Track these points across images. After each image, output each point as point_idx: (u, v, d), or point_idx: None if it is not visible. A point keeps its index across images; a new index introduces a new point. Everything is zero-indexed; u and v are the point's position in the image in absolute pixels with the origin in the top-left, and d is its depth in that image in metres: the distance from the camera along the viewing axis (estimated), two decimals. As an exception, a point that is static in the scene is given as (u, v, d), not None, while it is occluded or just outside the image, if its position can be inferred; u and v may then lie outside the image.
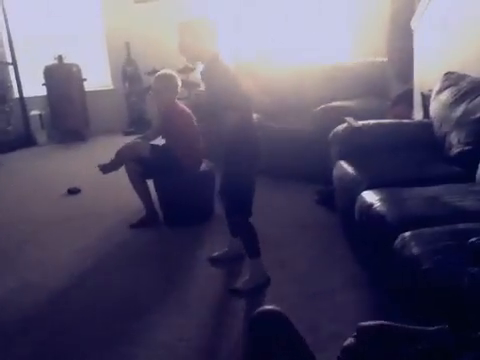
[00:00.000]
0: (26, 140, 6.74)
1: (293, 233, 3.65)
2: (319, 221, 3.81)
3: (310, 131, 4.35)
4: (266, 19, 6.72)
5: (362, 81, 4.87)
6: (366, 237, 2.83)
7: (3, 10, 6.38)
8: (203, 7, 6.40)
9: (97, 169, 4.04)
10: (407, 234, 2.34)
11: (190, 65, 5.32)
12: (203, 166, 3.95)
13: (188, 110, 3.92)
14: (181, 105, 3.94)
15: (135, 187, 3.95)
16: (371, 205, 2.72)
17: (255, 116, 4.18)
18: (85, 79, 6.78)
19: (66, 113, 6.74)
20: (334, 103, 4.43)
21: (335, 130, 3.67)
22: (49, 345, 2.66)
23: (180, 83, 3.90)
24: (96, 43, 6.99)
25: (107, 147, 6.26)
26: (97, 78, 7.05)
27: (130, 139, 5.58)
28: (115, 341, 2.65)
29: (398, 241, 2.35)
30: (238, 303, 2.88)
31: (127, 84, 6.82)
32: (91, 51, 7.02)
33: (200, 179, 3.94)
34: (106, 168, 4.04)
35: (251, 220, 2.99)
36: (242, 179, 2.91)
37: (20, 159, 6.33)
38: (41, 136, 6.81)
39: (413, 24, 4.80)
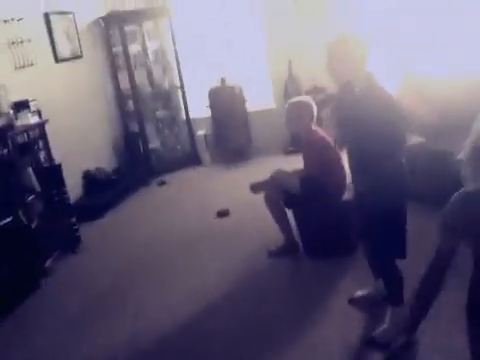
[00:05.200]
0: (192, 159, 7.03)
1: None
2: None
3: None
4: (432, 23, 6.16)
5: None
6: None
7: (172, 38, 6.73)
8: (368, 23, 6.12)
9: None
10: None
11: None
12: (346, 195, 3.69)
13: (327, 136, 3.71)
14: (320, 132, 3.74)
15: (274, 215, 3.83)
16: None
17: (418, 139, 3.77)
18: (247, 100, 6.87)
19: (229, 133, 6.90)
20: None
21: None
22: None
23: (315, 109, 3.70)
24: (259, 63, 7.04)
25: (267, 167, 6.27)
26: (260, 98, 7.09)
27: (290, 159, 5.57)
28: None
29: None
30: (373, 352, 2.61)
31: (288, 103, 6.75)
32: (254, 72, 7.09)
33: (343, 208, 3.68)
34: (256, 188, 4.00)
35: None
36: (390, 217, 2.60)
37: (184, 178, 6.62)
38: (205, 156, 7.05)
39: None
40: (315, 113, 3.75)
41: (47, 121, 4.71)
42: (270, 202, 3.83)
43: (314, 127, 3.78)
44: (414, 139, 4.32)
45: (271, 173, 3.91)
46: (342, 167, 3.65)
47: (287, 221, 3.84)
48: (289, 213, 3.91)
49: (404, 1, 6.20)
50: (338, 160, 3.67)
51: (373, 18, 6.36)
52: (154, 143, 7.06)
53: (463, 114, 4.54)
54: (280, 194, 3.75)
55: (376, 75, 2.65)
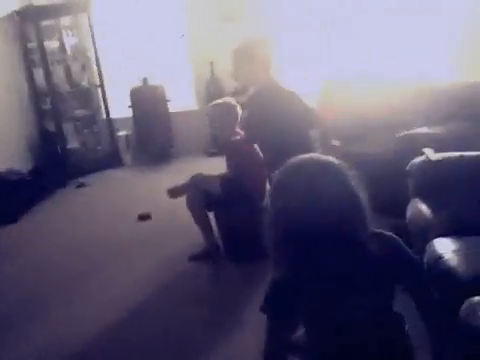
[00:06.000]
0: (113, 160, 6.83)
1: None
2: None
3: (388, 158, 3.94)
4: (357, 33, 6.35)
5: (459, 104, 4.33)
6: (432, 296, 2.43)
7: (92, 35, 6.51)
8: (289, 27, 6.20)
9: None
10: (476, 299, 1.95)
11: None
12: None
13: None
14: (243, 134, 3.74)
15: (195, 217, 3.77)
16: (440, 257, 2.33)
17: (335, 142, 3.89)
18: (169, 100, 6.78)
19: (150, 134, 6.77)
20: (419, 130, 3.99)
21: (412, 162, 3.26)
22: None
23: (239, 111, 3.70)
24: (181, 64, 6.96)
25: (190, 169, 6.21)
26: (182, 99, 7.01)
27: (213, 160, 5.55)
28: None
29: (464, 307, 1.96)
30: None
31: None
32: (176, 72, 7.00)
33: (264, 210, 3.67)
34: (175, 192, 3.93)
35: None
36: None
37: (104, 179, 6.43)
38: (127, 157, 6.89)
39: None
40: (239, 115, 3.74)
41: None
42: (191, 205, 3.76)
43: (237, 129, 3.77)
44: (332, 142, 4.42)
45: (191, 176, 3.86)
46: (263, 169, 3.66)
47: (208, 224, 3.79)
48: (211, 216, 3.88)
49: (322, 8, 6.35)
50: (260, 163, 3.67)
51: (294, 24, 6.48)
52: (73, 143, 6.81)
53: (375, 118, 4.74)
54: (201, 197, 3.70)
55: (283, 80, 2.70)
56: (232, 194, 3.62)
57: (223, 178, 3.73)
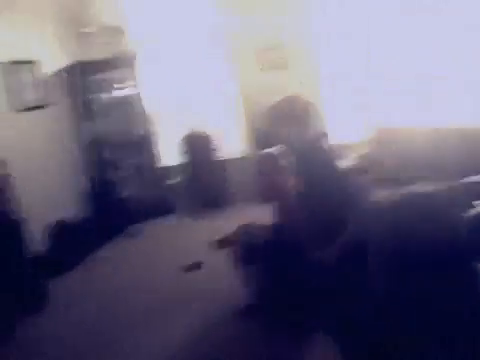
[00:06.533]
0: (166, 209, 6.85)
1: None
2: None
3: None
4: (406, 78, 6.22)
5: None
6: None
7: (142, 85, 6.64)
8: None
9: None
10: None
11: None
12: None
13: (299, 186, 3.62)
14: (293, 181, 3.67)
15: (239, 269, 3.69)
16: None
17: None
18: (220, 147, 6.80)
19: (203, 181, 6.79)
20: (474, 178, 3.77)
21: (467, 216, 3.05)
22: None
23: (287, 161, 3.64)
24: (233, 110, 6.97)
25: (243, 216, 6.15)
26: (233, 145, 7.02)
27: (265, 207, 5.48)
28: None
29: None
30: None
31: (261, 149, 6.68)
32: (228, 118, 7.03)
33: (315, 266, 3.54)
34: (221, 243, 3.89)
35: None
36: None
37: (157, 228, 6.46)
38: (180, 204, 6.90)
39: None
40: (287, 165, 3.68)
41: (9, 175, 4.57)
42: (236, 256, 3.71)
43: (286, 177, 3.70)
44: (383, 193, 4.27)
45: (238, 226, 3.81)
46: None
47: (253, 278, 3.69)
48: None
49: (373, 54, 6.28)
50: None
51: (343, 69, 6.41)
52: (126, 192, 6.89)
53: (427, 164, 4.55)
54: (246, 248, 3.63)
55: (329, 136, 2.61)
56: (284, 243, 3.52)
57: (276, 225, 3.65)
